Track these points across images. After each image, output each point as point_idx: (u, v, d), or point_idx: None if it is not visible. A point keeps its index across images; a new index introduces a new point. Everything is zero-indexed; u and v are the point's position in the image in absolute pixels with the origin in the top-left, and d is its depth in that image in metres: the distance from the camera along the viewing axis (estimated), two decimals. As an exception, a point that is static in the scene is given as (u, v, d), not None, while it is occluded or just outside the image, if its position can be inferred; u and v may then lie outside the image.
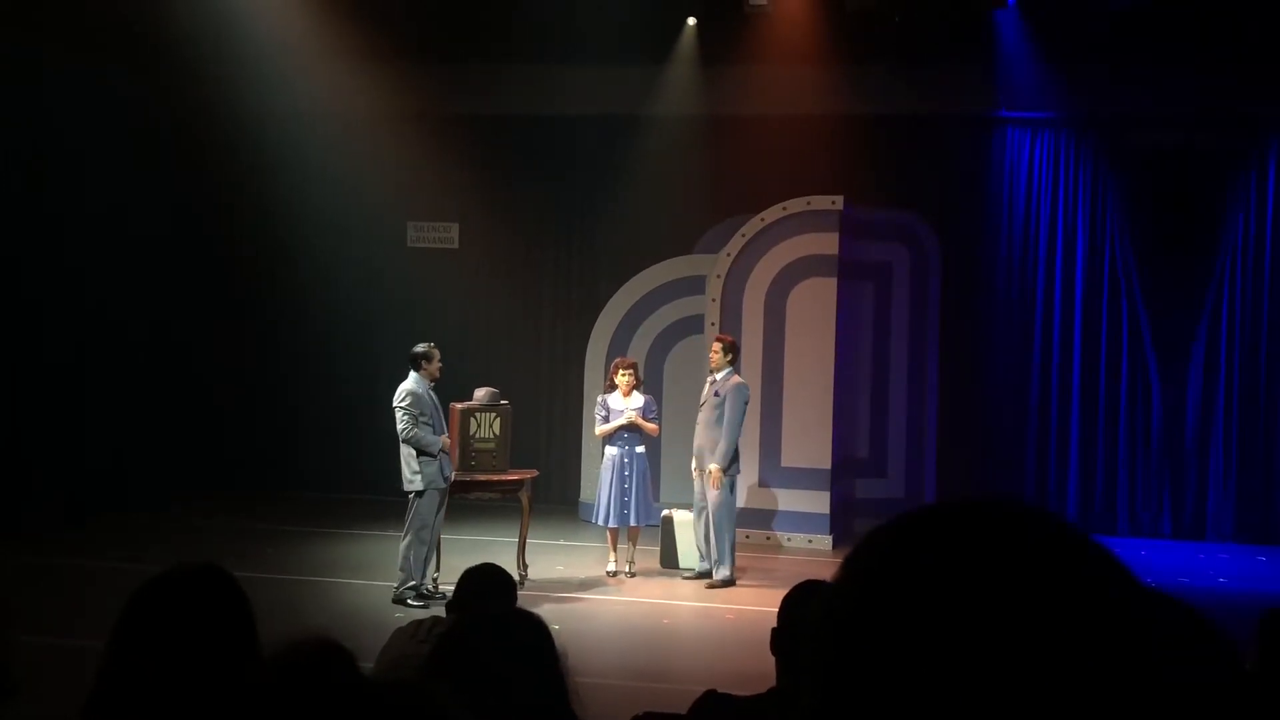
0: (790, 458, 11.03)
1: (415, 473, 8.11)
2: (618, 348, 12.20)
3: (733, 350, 9.20)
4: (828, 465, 10.87)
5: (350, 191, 12.62)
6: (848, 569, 0.75)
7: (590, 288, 12.68)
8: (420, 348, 8.37)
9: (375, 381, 12.79)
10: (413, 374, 8.28)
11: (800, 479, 10.87)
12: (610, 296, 12.27)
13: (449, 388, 8.89)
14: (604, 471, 9.04)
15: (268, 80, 11.60)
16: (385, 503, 11.25)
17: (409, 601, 7.97)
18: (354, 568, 9.41)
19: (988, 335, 12.07)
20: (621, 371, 9.01)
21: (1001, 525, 0.72)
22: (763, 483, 11.03)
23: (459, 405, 8.92)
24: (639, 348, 12.15)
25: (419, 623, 3.19)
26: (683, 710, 2.74)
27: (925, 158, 12.09)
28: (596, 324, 12.25)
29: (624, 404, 8.98)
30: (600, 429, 9.08)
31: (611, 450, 9.01)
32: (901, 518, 0.75)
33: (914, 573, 0.70)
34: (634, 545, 9.29)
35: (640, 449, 9.03)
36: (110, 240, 11.58)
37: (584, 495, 12.10)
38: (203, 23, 10.63)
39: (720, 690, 2.66)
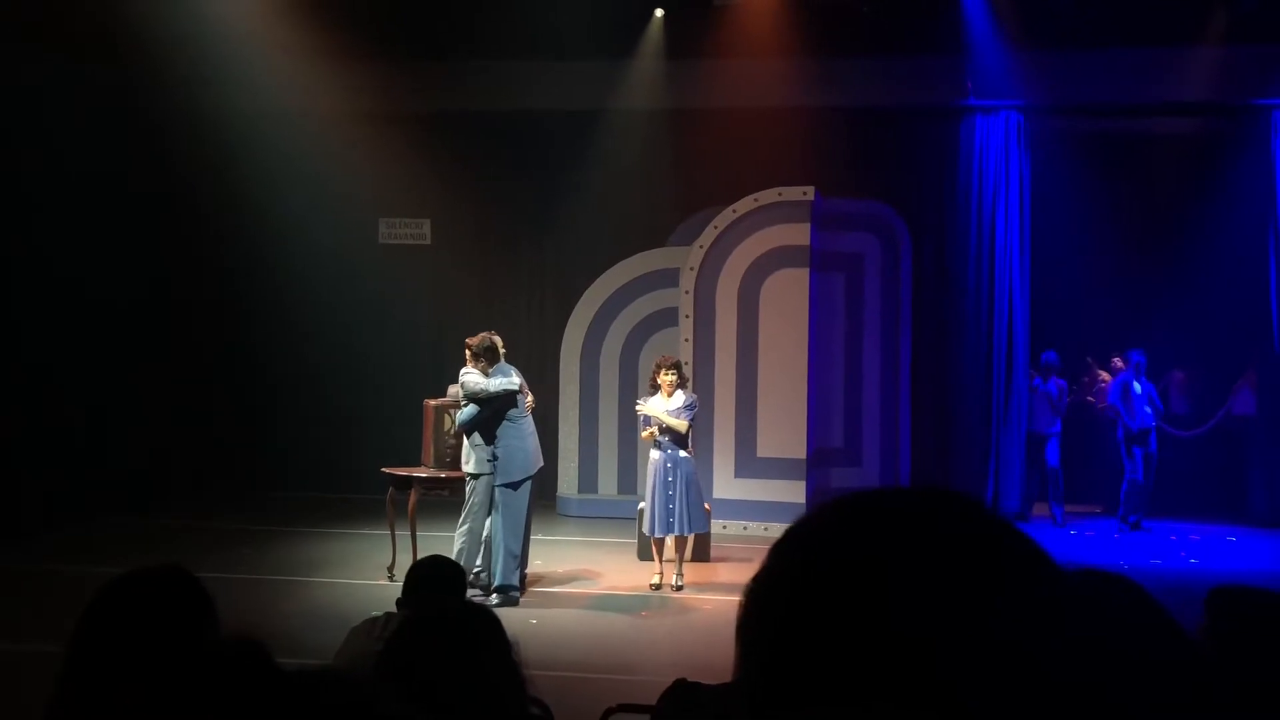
0: (766, 448, 11.09)
1: (469, 456, 8.13)
2: (593, 341, 12.22)
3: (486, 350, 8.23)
4: (803, 455, 10.93)
5: (321, 189, 12.57)
6: (770, 556, 0.77)
7: (564, 282, 12.69)
8: (479, 338, 8.23)
9: (351, 378, 12.81)
10: (471, 362, 8.26)
11: (776, 469, 10.92)
12: (584, 290, 12.27)
13: (423, 384, 8.87)
14: (648, 478, 8.57)
15: (237, 79, 11.53)
16: (363, 501, 11.25)
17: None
18: (332, 566, 9.39)
19: (959, 323, 12.15)
20: (665, 371, 8.45)
21: (912, 511, 0.74)
22: (739, 473, 11.08)
23: (432, 402, 8.90)
24: (614, 341, 12.18)
25: (374, 620, 3.19)
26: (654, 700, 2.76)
27: (895, 148, 12.16)
28: (571, 318, 12.25)
29: (663, 405, 8.43)
30: (642, 435, 8.58)
31: (655, 455, 8.50)
32: (822, 506, 0.77)
33: (828, 556, 0.72)
34: (682, 557, 8.68)
35: (684, 453, 8.48)
36: (80, 242, 11.48)
37: (561, 490, 12.12)
38: (173, 20, 10.55)
39: (690, 680, 2.69)
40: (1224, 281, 11.96)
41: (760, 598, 0.74)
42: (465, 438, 8.23)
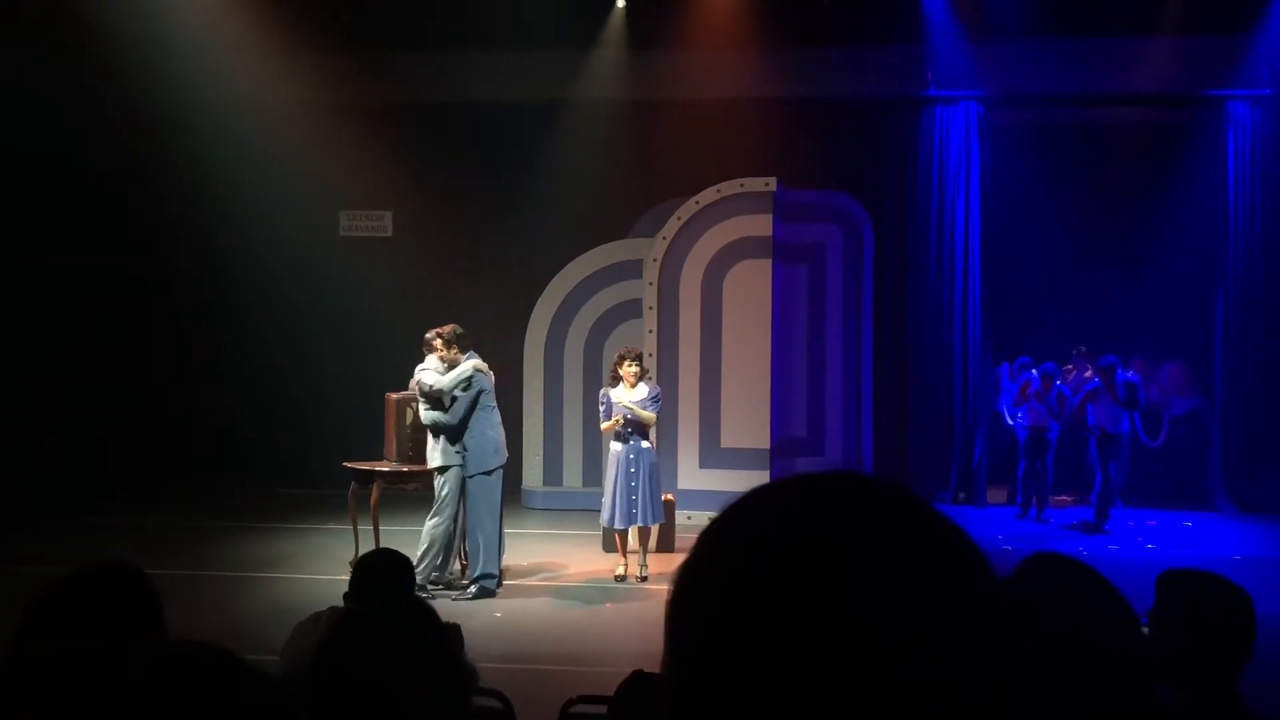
0: (730, 439, 11.12)
1: (435, 450, 8.07)
2: (556, 334, 12.19)
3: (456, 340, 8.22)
4: (767, 445, 10.98)
5: (281, 181, 12.44)
6: (696, 545, 0.77)
7: (527, 274, 12.63)
8: (437, 331, 8.23)
9: (312, 371, 12.70)
10: (429, 357, 8.24)
11: (740, 459, 10.95)
12: (548, 282, 12.24)
13: (385, 377, 8.81)
14: (608, 469, 8.51)
15: (196, 70, 11.41)
16: (326, 495, 11.17)
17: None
18: (294, 561, 9.32)
19: (920, 312, 12.25)
20: (627, 362, 8.41)
21: (834, 497, 0.74)
22: (704, 464, 11.10)
23: (394, 395, 8.85)
24: (578, 333, 12.16)
25: (318, 615, 3.17)
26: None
27: (856, 138, 12.22)
28: (535, 310, 12.22)
29: (627, 396, 8.35)
30: (603, 425, 8.50)
31: (616, 447, 8.42)
32: (747, 494, 0.77)
33: (747, 546, 0.72)
34: (645, 548, 8.64)
35: (646, 444, 8.43)
36: (36, 235, 11.33)
37: (526, 483, 12.10)
38: (131, 11, 10.42)
39: (648, 670, 2.69)
40: (1178, 270, 12.13)
41: (690, 591, 0.74)
42: (431, 431, 8.17)
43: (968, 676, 0.69)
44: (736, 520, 0.76)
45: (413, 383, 8.37)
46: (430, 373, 8.09)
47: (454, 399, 8.00)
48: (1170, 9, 11.44)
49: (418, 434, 8.54)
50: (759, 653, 0.69)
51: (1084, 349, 11.92)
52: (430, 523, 8.06)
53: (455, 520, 8.11)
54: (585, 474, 12.00)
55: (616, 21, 12.26)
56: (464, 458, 8.06)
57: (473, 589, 8.12)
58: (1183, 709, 2.26)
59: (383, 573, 3.41)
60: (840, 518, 0.73)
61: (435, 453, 8.12)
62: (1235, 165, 11.84)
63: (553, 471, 12.19)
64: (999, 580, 0.74)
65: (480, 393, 8.11)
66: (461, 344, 8.18)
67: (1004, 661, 0.71)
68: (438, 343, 8.21)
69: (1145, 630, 2.33)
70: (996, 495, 12.03)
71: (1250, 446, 11.76)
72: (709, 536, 0.77)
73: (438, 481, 8.12)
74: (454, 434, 8.08)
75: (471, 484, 8.10)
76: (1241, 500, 11.69)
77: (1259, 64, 11.52)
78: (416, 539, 8.07)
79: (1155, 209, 12.17)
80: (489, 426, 8.17)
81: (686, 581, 0.76)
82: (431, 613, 1.90)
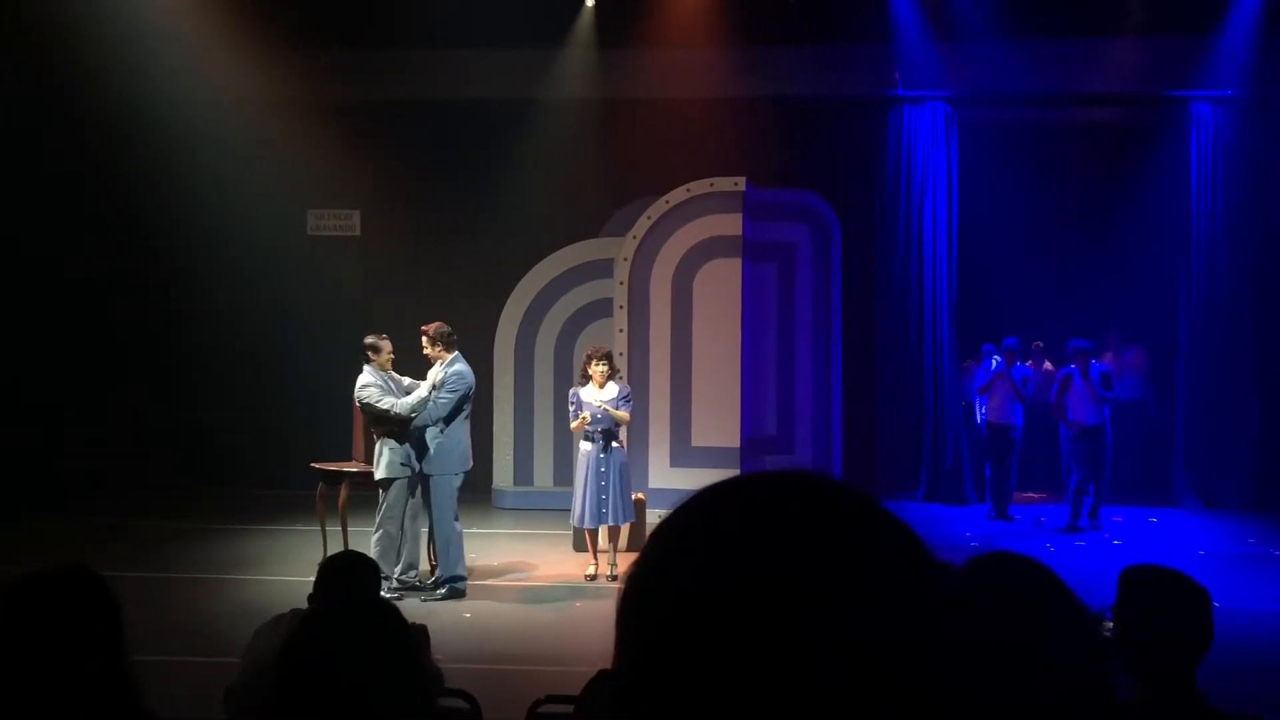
0: (700, 437, 11.13)
1: (380, 461, 7.99)
2: (526, 333, 12.17)
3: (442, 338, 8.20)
4: (737, 443, 11.00)
5: (248, 180, 12.34)
6: (647, 545, 0.77)
7: (497, 273, 12.58)
8: (368, 339, 8.18)
9: (279, 372, 12.61)
10: (366, 366, 8.12)
11: (711, 458, 10.96)
12: (518, 282, 12.21)
13: (353, 377, 8.73)
14: (578, 469, 8.48)
15: (162, 67, 11.30)
16: (293, 496, 11.09)
17: (383, 594, 7.79)
18: (262, 563, 9.25)
19: (888, 311, 12.31)
20: (595, 362, 8.42)
21: (784, 497, 0.74)
22: (674, 463, 11.10)
23: (363, 395, 8.79)
24: (548, 333, 12.14)
25: (279, 617, 3.15)
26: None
27: (825, 138, 12.27)
28: (504, 309, 12.19)
29: (597, 396, 8.37)
30: (572, 425, 8.48)
31: (586, 447, 8.43)
32: (699, 493, 0.77)
33: (697, 546, 0.72)
34: (615, 547, 8.63)
35: (616, 444, 8.46)
36: (2, 236, 11.19)
37: (496, 482, 12.07)
38: (98, 7, 10.32)
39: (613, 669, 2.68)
40: (1142, 269, 12.27)
41: (641, 591, 0.74)
42: (378, 443, 8.06)
43: (916, 678, 0.70)
44: (687, 520, 0.76)
45: (356, 399, 8.19)
46: (372, 389, 7.97)
47: (439, 398, 7.96)
48: (1134, 10, 11.56)
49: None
50: (708, 653, 0.69)
51: (1041, 344, 12.01)
52: (375, 535, 7.99)
53: (401, 528, 8.04)
54: (556, 474, 11.98)
55: (586, 20, 12.25)
56: (408, 470, 8.01)
57: (442, 590, 8.09)
58: (1142, 704, 2.29)
59: (347, 574, 3.40)
60: (789, 518, 0.73)
61: (381, 464, 8.02)
62: (1198, 165, 11.99)
63: (523, 471, 12.17)
64: (949, 581, 0.75)
65: (468, 391, 8.10)
66: (448, 343, 8.14)
67: (954, 663, 0.71)
68: (424, 341, 8.15)
69: (1106, 626, 2.36)
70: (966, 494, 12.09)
71: (1212, 443, 11.91)
72: (660, 536, 0.77)
73: (381, 494, 8.04)
74: (421, 432, 8.03)
75: (437, 483, 8.08)
76: (1204, 496, 11.83)
77: (1221, 65, 11.66)
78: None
79: (1120, 208, 12.31)
80: (462, 430, 8.17)
81: (637, 581, 0.76)
82: (395, 612, 1.90)
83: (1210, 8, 11.54)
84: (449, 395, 8.03)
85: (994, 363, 11.27)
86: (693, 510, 0.76)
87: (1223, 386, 11.89)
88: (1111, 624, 2.43)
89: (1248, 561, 9.52)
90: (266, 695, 1.67)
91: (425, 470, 8.09)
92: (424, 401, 7.98)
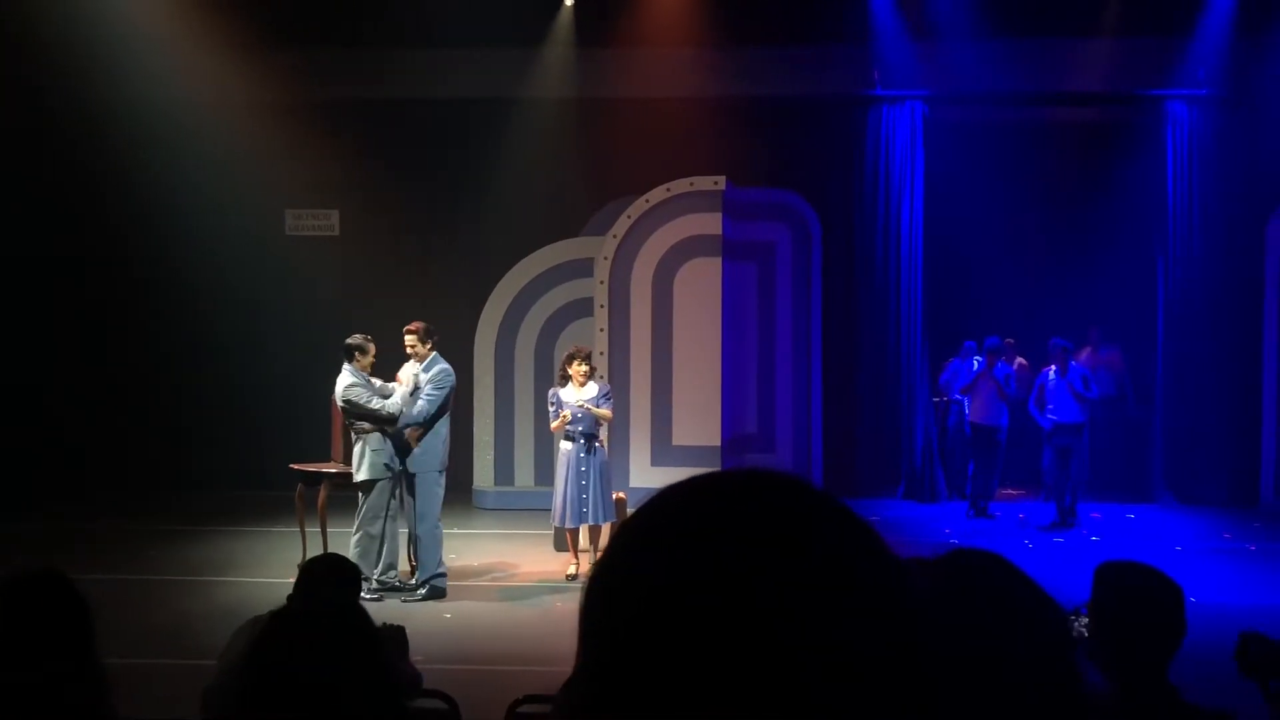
0: (681, 436, 11.15)
1: (361, 462, 7.96)
2: (507, 333, 12.15)
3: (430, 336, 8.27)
4: (718, 442, 11.02)
5: (226, 180, 12.28)
6: (610, 544, 0.77)
7: (477, 273, 12.56)
8: (355, 339, 8.14)
9: (258, 372, 12.55)
10: (347, 366, 8.08)
11: (692, 457, 10.97)
12: (498, 281, 12.19)
13: (332, 378, 8.71)
14: (559, 469, 8.50)
15: (143, 69, 11.23)
16: (272, 498, 11.04)
17: (363, 596, 7.72)
18: (241, 565, 9.21)
19: (867, 309, 12.35)
20: (576, 362, 8.41)
21: (748, 497, 0.75)
22: (655, 462, 11.11)
23: (342, 396, 8.76)
24: (529, 332, 12.13)
25: (256, 619, 3.14)
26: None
27: (804, 137, 12.30)
28: (485, 309, 12.16)
29: (577, 396, 8.37)
30: (552, 425, 8.50)
31: (566, 446, 8.42)
32: (662, 492, 0.77)
33: (659, 546, 0.73)
34: (597, 547, 8.64)
35: (598, 444, 8.48)
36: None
37: (477, 483, 12.04)
38: (75, 8, 10.25)
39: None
40: (1120, 267, 12.35)
41: (603, 591, 0.74)
42: (356, 444, 8.04)
43: (882, 675, 0.70)
44: (649, 519, 0.76)
45: (339, 398, 8.13)
46: (359, 389, 7.96)
47: (429, 395, 8.00)
48: (1110, 10, 11.64)
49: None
50: (668, 653, 0.69)
51: (1012, 340, 11.92)
52: (355, 537, 7.97)
53: (383, 529, 8.03)
54: (537, 473, 11.97)
55: (565, 20, 12.24)
56: (390, 470, 8.01)
57: (423, 590, 8.07)
58: (1115, 699, 2.30)
59: (328, 577, 3.39)
60: (751, 517, 0.73)
61: (364, 465, 7.99)
62: (1174, 163, 12.07)
63: (504, 471, 12.15)
64: (913, 577, 0.75)
65: (453, 387, 8.18)
66: (432, 341, 8.16)
67: (920, 660, 0.72)
68: (413, 339, 8.14)
69: (1082, 622, 2.38)
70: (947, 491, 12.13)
71: (1190, 440, 12.00)
72: (622, 535, 0.77)
73: (361, 495, 8.02)
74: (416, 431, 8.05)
75: (423, 480, 8.09)
76: (1181, 493, 11.92)
77: (1196, 65, 11.75)
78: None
79: (1097, 206, 12.39)
80: (443, 426, 8.23)
81: (599, 580, 0.76)
82: (363, 613, 1.89)
83: (1185, 7, 11.63)
84: (437, 392, 8.07)
85: (975, 363, 11.25)
86: (654, 510, 0.76)
87: (1199, 384, 11.98)
88: (1087, 619, 2.45)
89: (1223, 557, 9.60)
90: (234, 694, 1.66)
91: (410, 469, 8.09)
92: (410, 400, 7.98)
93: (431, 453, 8.11)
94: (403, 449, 8.10)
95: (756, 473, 0.76)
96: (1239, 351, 11.98)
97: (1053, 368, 10.67)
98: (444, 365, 8.20)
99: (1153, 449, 12.29)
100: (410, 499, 8.18)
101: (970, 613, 1.18)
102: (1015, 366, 11.62)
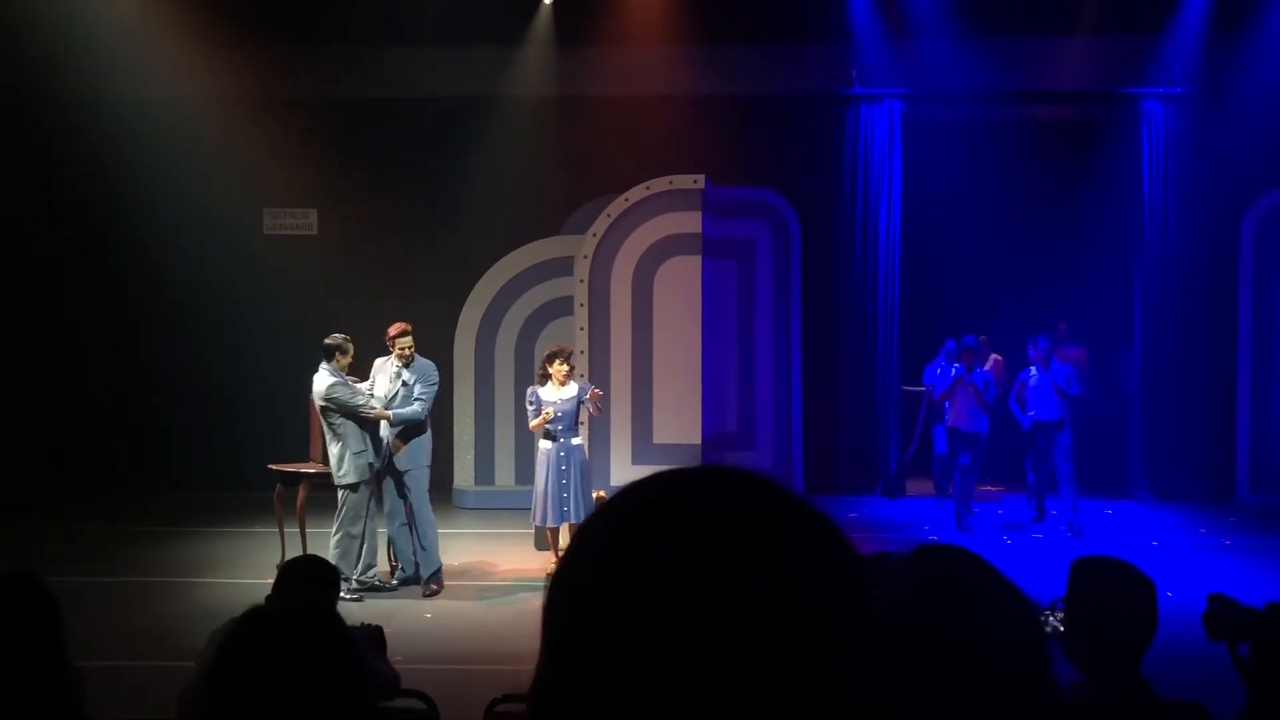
0: (662, 434, 11.15)
1: (344, 465, 7.93)
2: (487, 332, 12.13)
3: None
4: (698, 440, 11.02)
5: (203, 179, 12.21)
6: (571, 545, 0.78)
7: (457, 272, 12.51)
8: (335, 339, 8.11)
9: (237, 373, 12.49)
10: (324, 366, 8.04)
11: (672, 455, 10.97)
12: (477, 280, 12.16)
13: (310, 378, 8.67)
14: (539, 468, 8.51)
15: (118, 66, 11.16)
16: (251, 498, 10.99)
17: (343, 596, 7.69)
18: (220, 566, 9.16)
19: (846, 308, 12.38)
20: (558, 361, 8.42)
21: (708, 497, 0.75)
22: (636, 460, 11.11)
23: (321, 396, 8.73)
24: (509, 331, 12.11)
25: (235, 621, 3.13)
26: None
27: (783, 135, 12.32)
28: (464, 308, 12.13)
29: (557, 395, 8.40)
30: (531, 424, 8.53)
31: (546, 445, 8.43)
32: (623, 492, 0.77)
33: (616, 542, 0.73)
34: None
35: (576, 441, 8.51)
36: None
37: (458, 482, 12.02)
38: (48, 4, 10.17)
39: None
40: (1097, 264, 12.43)
41: (565, 592, 0.74)
42: (334, 446, 7.99)
43: (841, 676, 0.70)
44: (608, 520, 0.76)
45: (321, 397, 8.05)
46: (341, 387, 7.93)
47: (423, 394, 8.16)
48: (1087, 9, 11.71)
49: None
50: (627, 655, 0.69)
51: (985, 338, 11.71)
52: (335, 538, 7.94)
53: (364, 528, 8.02)
54: (517, 473, 11.95)
55: (544, 18, 12.22)
56: (370, 471, 8.03)
57: (435, 586, 8.20)
58: (1089, 693, 2.32)
59: (307, 578, 3.38)
60: (712, 517, 0.74)
61: (345, 467, 7.95)
62: (1150, 161, 12.15)
63: (484, 470, 12.13)
64: (881, 574, 0.76)
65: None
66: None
67: (886, 659, 0.72)
68: (406, 340, 8.18)
69: (1058, 617, 2.40)
70: (923, 486, 12.16)
71: (1166, 436, 12.08)
72: (582, 536, 0.77)
73: (341, 495, 7.99)
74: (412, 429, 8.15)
75: (415, 476, 8.20)
76: (1158, 489, 12.00)
77: (1171, 63, 11.84)
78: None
79: (1075, 204, 12.47)
80: (428, 423, 8.39)
81: (562, 580, 0.76)
82: (335, 613, 1.89)
83: (1160, 6, 11.71)
84: (430, 389, 8.20)
85: (953, 370, 10.90)
86: (615, 508, 0.76)
87: (1176, 380, 12.07)
88: (1062, 614, 2.46)
89: (1199, 552, 9.67)
90: (204, 695, 1.66)
91: (400, 466, 8.15)
92: (397, 400, 7.99)
93: (420, 449, 8.22)
94: (387, 448, 8.13)
95: (718, 470, 0.77)
96: (1215, 348, 12.08)
97: (1033, 367, 10.59)
98: (429, 362, 8.27)
99: (1129, 445, 12.37)
100: (400, 498, 8.21)
101: (939, 606, 1.19)
102: (991, 364, 11.49)
